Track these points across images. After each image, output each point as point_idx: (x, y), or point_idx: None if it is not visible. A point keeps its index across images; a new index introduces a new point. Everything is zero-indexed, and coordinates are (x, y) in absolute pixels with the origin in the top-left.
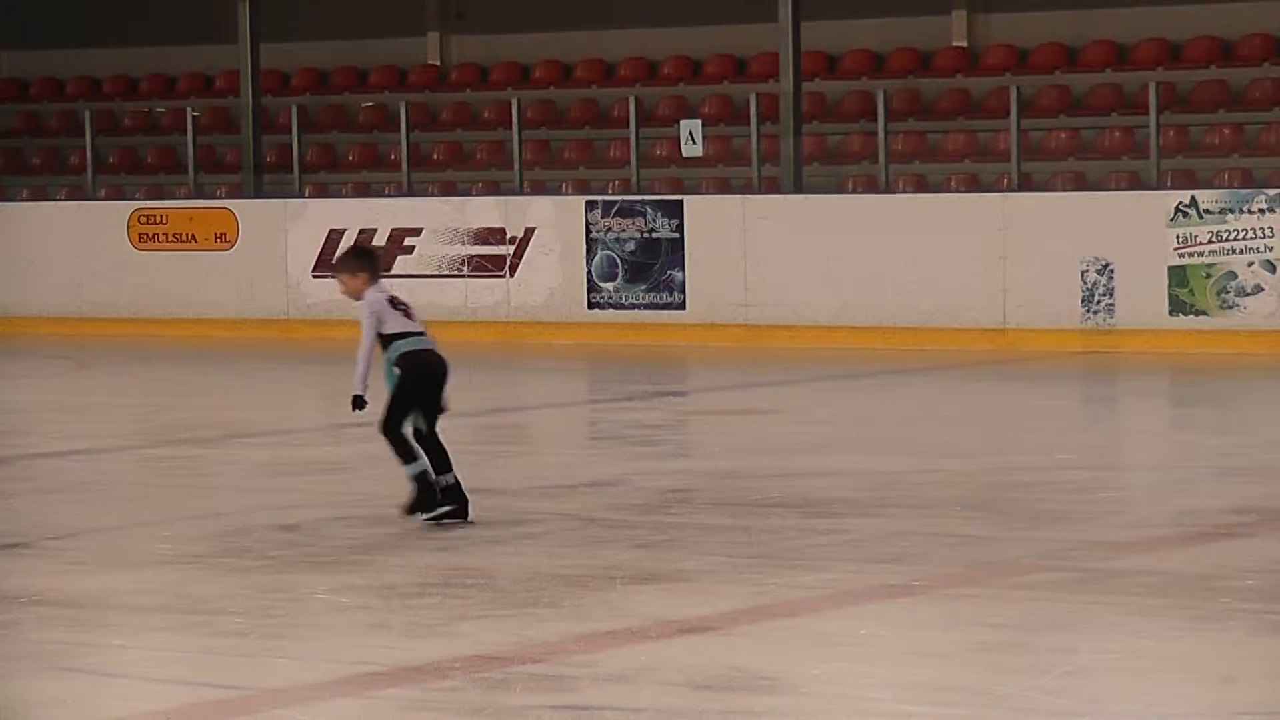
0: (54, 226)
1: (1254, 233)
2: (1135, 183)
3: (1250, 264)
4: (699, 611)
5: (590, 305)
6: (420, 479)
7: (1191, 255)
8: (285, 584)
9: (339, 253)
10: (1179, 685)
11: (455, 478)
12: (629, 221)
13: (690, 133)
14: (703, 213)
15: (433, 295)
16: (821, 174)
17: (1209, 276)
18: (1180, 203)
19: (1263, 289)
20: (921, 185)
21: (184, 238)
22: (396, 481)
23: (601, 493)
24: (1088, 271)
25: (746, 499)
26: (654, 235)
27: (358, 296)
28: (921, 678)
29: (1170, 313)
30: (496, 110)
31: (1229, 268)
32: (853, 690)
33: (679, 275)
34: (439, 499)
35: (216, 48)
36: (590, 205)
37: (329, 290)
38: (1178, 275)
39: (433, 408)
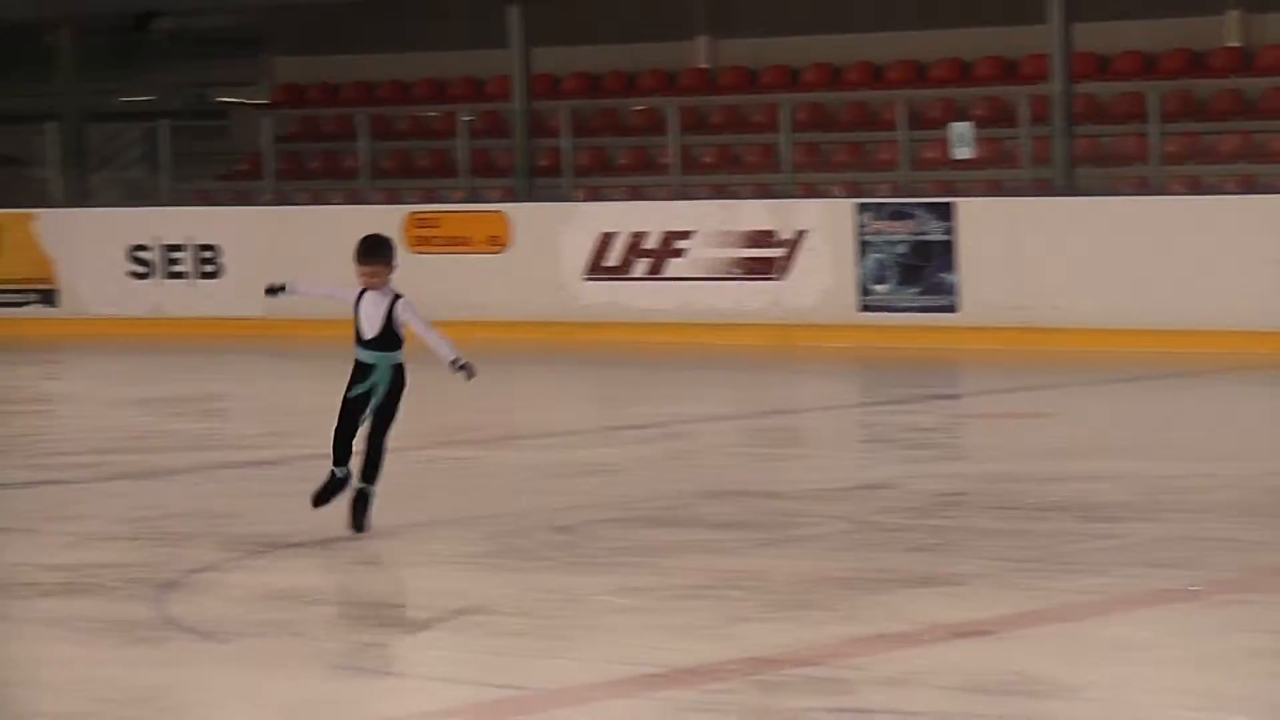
0: (331, 229)
1: None
2: None
3: None
4: (974, 615)
5: (861, 308)
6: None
7: None
8: (562, 585)
9: (370, 242)
10: None
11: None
12: (900, 224)
13: (960, 135)
14: (974, 215)
15: (704, 298)
16: (1093, 176)
17: None
18: None
19: None
20: (1195, 187)
21: (458, 241)
22: (674, 482)
23: (874, 496)
24: None
25: (1021, 502)
26: (925, 238)
27: (382, 288)
28: (1199, 684)
29: None
30: (766, 113)
31: None
32: (1130, 696)
33: (950, 278)
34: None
35: (488, 52)
36: (861, 208)
37: (602, 293)
38: None
39: None
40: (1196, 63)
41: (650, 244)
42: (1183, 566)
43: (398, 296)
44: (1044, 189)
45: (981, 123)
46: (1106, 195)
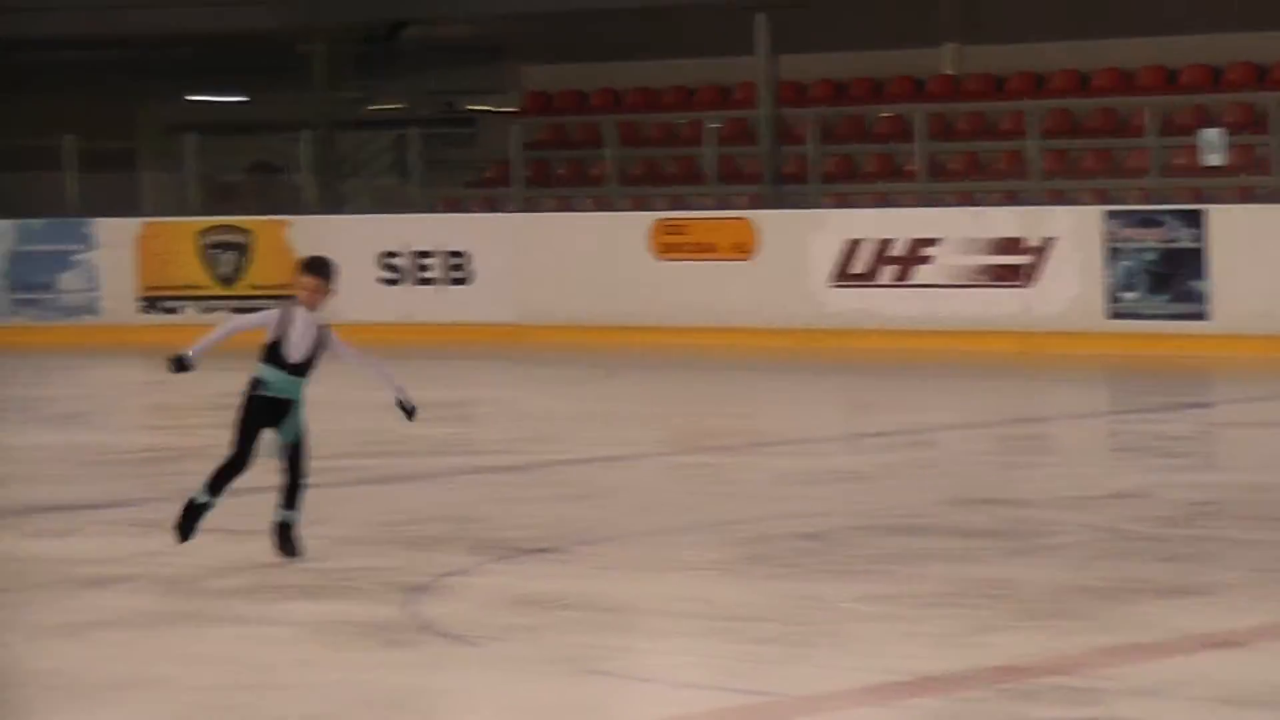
0: (579, 236)
1: None
2: None
3: None
4: (1228, 625)
5: (1110, 315)
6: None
7: None
8: (809, 592)
9: (310, 259)
10: None
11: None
12: (1149, 231)
13: (1211, 141)
14: (1225, 222)
15: (951, 305)
16: None
17: None
18: None
19: None
20: None
21: (705, 247)
22: (921, 490)
23: (1125, 504)
24: None
25: (1277, 513)
26: (1175, 245)
27: (319, 306)
28: None
29: None
30: (1013, 120)
31: None
32: None
33: (1201, 286)
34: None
35: (735, 60)
36: (1109, 215)
37: (849, 300)
38: None
39: None
40: None
41: (897, 251)
42: None
43: (327, 325)
44: None
45: (1233, 129)
46: None
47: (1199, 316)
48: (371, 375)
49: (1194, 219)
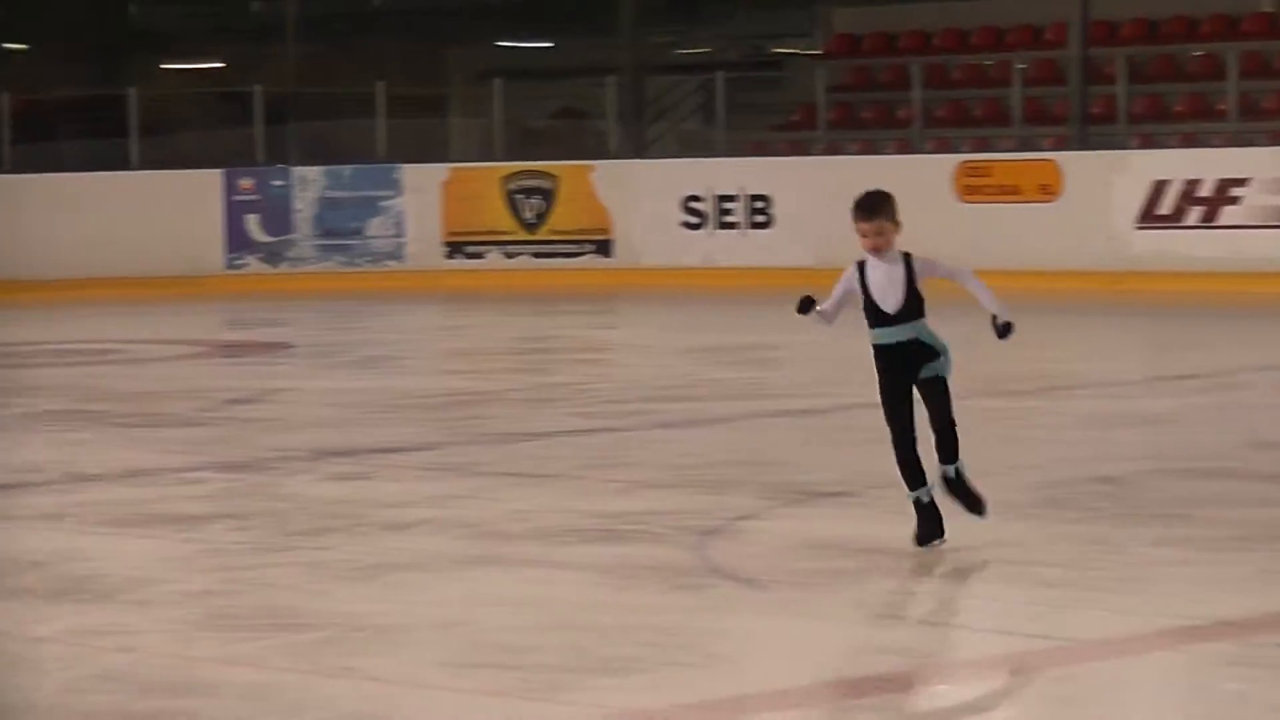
0: (882, 179)
1: None
2: None
3: None
4: None
5: None
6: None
7: None
8: (1104, 536)
9: (858, 200)
10: None
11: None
12: None
13: None
14: None
15: (1259, 247)
16: None
17: None
18: None
19: None
20: None
21: (1008, 190)
22: (1224, 433)
23: None
24: None
25: None
26: None
27: (886, 247)
28: None
29: None
30: None
31: None
32: None
33: None
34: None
35: (1048, 0)
36: None
37: (1154, 241)
38: None
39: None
40: None
41: (1204, 192)
42: None
43: (908, 254)
44: None
45: None
46: None
47: None
48: (978, 294)
49: None
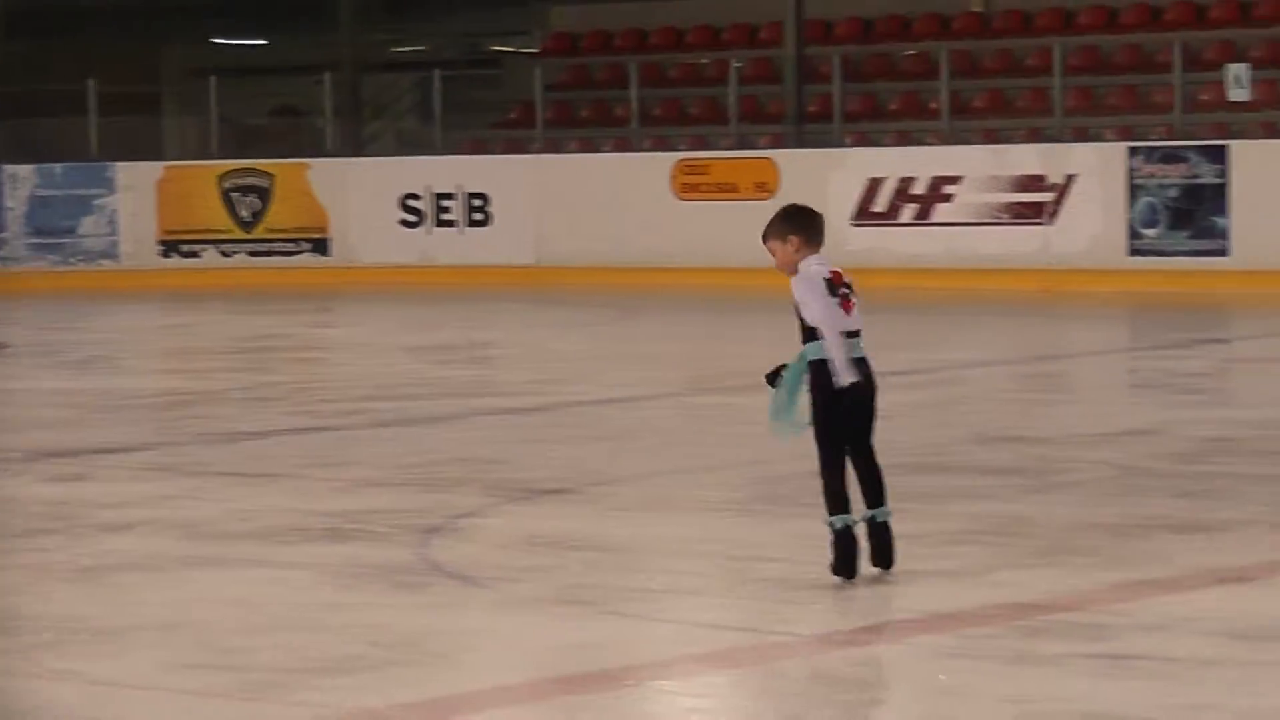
0: (600, 178)
1: None
2: None
3: None
4: (1240, 561)
5: (1131, 252)
6: (840, 538)
7: None
8: (822, 531)
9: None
10: None
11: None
12: (1172, 168)
13: (1237, 77)
14: (1249, 158)
15: (972, 243)
16: None
17: None
18: None
19: None
20: None
21: (726, 187)
22: (942, 428)
23: (1142, 441)
24: None
25: None
26: (1197, 181)
27: (790, 270)
28: None
29: None
30: (1039, 57)
31: None
32: None
33: (1222, 222)
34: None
35: None
36: (1132, 151)
37: (869, 238)
38: None
39: (850, 435)
40: None
41: (918, 189)
42: None
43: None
44: None
45: (1259, 65)
46: None
47: (1220, 253)
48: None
49: (1218, 155)
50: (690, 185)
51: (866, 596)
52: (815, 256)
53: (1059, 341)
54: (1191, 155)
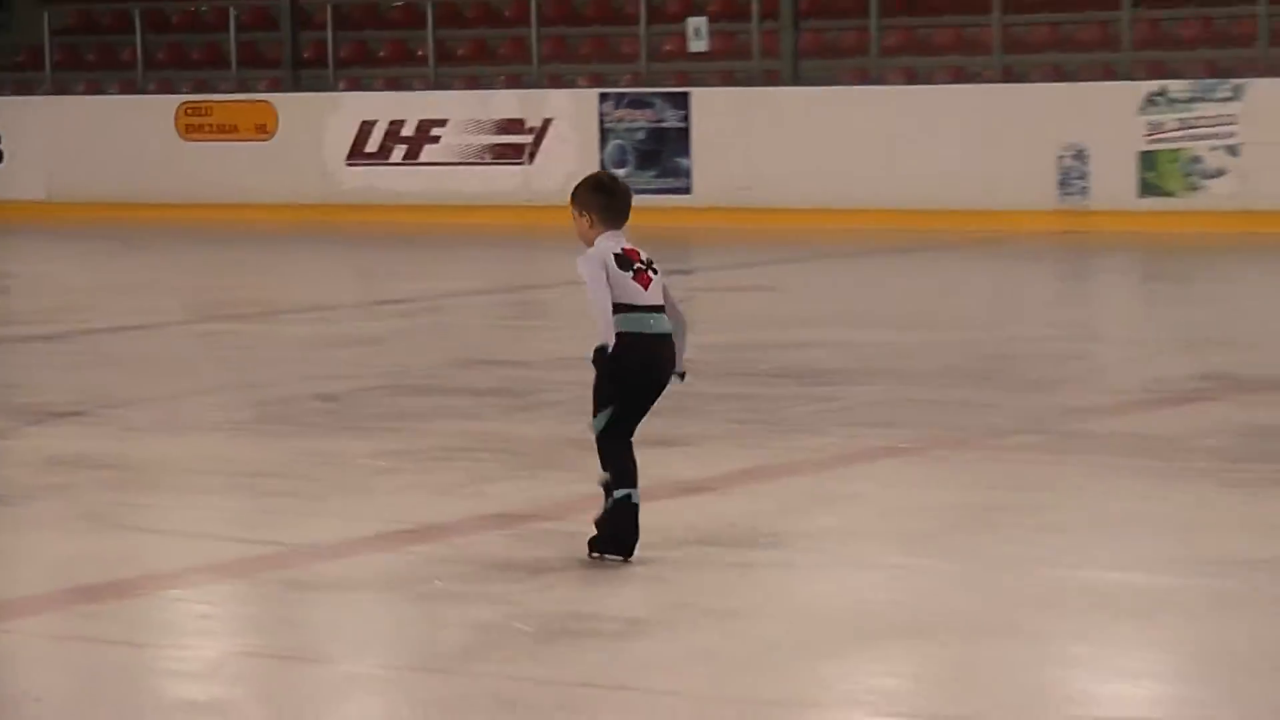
0: (108, 119)
1: (1218, 119)
2: (1110, 74)
3: (1214, 148)
4: (705, 473)
5: None
6: (619, 509)
7: (1160, 141)
8: (325, 449)
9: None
10: (1148, 538)
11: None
12: (639, 112)
13: (696, 29)
14: (707, 104)
15: (457, 182)
16: (818, 67)
17: (1176, 161)
18: (1151, 92)
19: (1225, 172)
20: (911, 77)
21: (227, 129)
22: (431, 353)
23: None
24: (1064, 157)
25: (749, 369)
26: (662, 125)
27: (588, 243)
28: (910, 530)
29: (1140, 194)
30: (517, 9)
31: (1194, 152)
32: (844, 544)
33: (685, 163)
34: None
35: None
36: (603, 97)
37: (362, 178)
38: (1148, 160)
39: (639, 411)
40: None
41: (407, 131)
42: (897, 426)
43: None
44: (772, 79)
45: (715, 18)
46: (830, 85)
47: (683, 190)
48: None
49: (680, 101)
50: (194, 126)
51: (362, 509)
52: (609, 233)
53: (538, 273)
54: (657, 101)
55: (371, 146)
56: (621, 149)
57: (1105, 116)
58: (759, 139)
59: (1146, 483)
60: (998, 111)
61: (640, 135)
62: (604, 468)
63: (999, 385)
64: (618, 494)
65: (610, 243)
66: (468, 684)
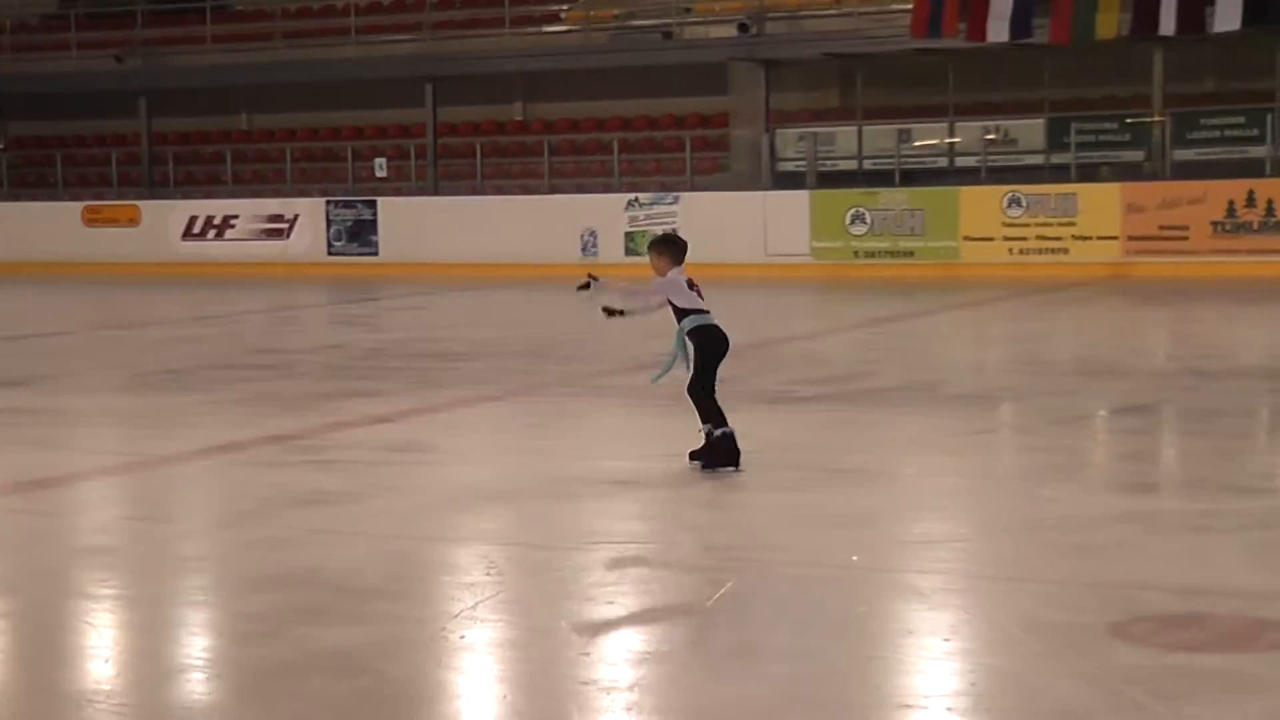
0: (43, 214)
1: (668, 214)
2: (607, 189)
3: (665, 230)
4: (388, 410)
5: None
6: (725, 439)
7: (637, 225)
8: (171, 401)
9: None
10: (627, 442)
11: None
12: (349, 210)
13: (380, 164)
14: (388, 206)
15: (246, 251)
16: (450, 186)
17: (645, 236)
18: (629, 199)
19: None
20: (500, 191)
21: (113, 220)
22: (231, 346)
23: (331, 351)
24: (584, 234)
25: (413, 352)
26: (362, 218)
27: (660, 274)
28: (500, 443)
29: (626, 255)
30: (278, 152)
31: (655, 233)
32: (466, 450)
33: (375, 238)
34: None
35: None
36: (329, 202)
37: (192, 249)
38: (629, 236)
39: (716, 369)
40: None
41: (217, 221)
42: (495, 383)
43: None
44: (425, 192)
45: (391, 158)
46: (455, 195)
47: (374, 253)
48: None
49: (372, 204)
50: (93, 220)
51: (195, 435)
52: (677, 268)
53: (295, 299)
54: (359, 204)
55: (197, 230)
56: (339, 231)
57: (606, 212)
58: (419, 225)
59: (628, 411)
60: (547, 209)
61: (349, 222)
62: (704, 420)
63: (549, 360)
64: (719, 432)
65: (679, 274)
66: (261, 529)
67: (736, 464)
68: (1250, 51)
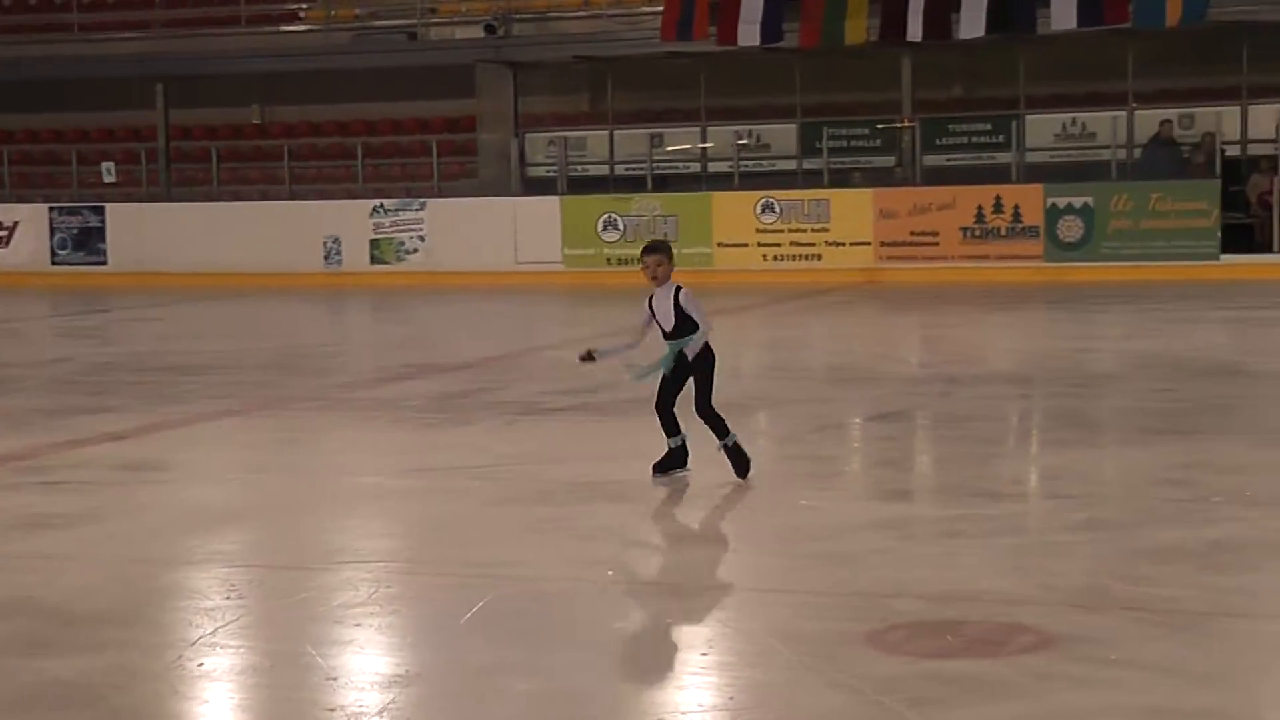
0: None
1: (413, 221)
2: (352, 195)
3: (411, 237)
4: (123, 427)
5: None
6: (737, 447)
7: (382, 232)
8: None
9: (647, 244)
10: (381, 457)
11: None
12: (75, 218)
13: (108, 169)
14: (118, 212)
15: None
16: (183, 192)
17: (391, 243)
18: (375, 205)
19: (417, 250)
20: (238, 196)
21: None
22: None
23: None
24: (328, 242)
25: (145, 366)
26: (89, 225)
27: (662, 282)
28: (245, 460)
29: (371, 263)
30: None
31: (401, 239)
32: (201, 467)
33: (103, 246)
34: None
35: None
36: (52, 209)
37: None
38: (375, 244)
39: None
40: None
41: None
42: (233, 397)
43: (679, 288)
44: (155, 198)
45: (120, 162)
46: (190, 202)
47: (102, 263)
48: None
49: (100, 211)
50: None
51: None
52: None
53: (16, 311)
54: (85, 211)
55: None
56: (64, 239)
57: (350, 219)
58: (150, 233)
59: (377, 425)
60: (287, 216)
61: (75, 230)
62: (720, 436)
63: (292, 372)
64: (727, 441)
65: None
66: None
67: (747, 469)
68: (996, 58)
